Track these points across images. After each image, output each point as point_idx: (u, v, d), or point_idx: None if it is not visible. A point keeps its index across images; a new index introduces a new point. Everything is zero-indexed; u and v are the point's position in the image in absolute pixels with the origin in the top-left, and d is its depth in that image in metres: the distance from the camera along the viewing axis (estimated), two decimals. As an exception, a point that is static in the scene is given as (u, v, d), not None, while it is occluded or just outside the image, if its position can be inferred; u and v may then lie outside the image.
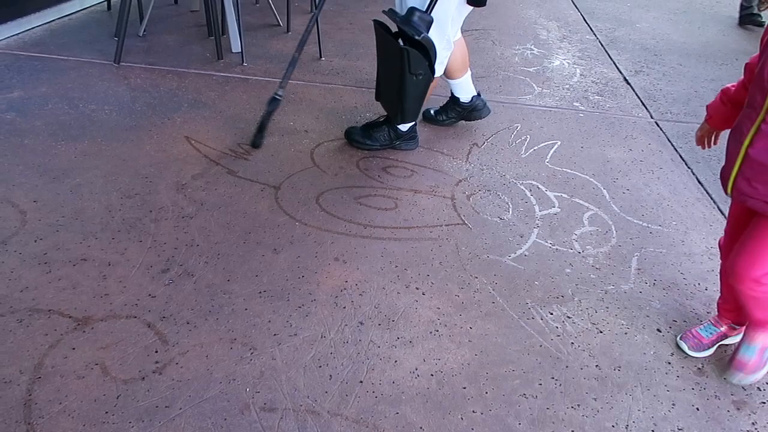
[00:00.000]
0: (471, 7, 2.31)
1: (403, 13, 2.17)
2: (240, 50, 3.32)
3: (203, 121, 2.66)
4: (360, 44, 3.70)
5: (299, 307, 1.73)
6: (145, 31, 3.55)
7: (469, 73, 2.66)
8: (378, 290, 1.82)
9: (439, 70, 2.33)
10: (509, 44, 3.86)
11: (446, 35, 2.29)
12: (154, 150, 2.41)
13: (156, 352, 1.54)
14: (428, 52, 2.10)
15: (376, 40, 2.31)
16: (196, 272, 1.82)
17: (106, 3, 3.92)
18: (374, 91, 2.48)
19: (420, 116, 2.56)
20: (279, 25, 3.89)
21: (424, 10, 2.13)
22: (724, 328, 1.71)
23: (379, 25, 2.26)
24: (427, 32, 2.11)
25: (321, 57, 3.45)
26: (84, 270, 1.78)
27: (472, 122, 2.82)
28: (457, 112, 2.76)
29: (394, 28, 2.25)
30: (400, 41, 2.20)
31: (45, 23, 3.57)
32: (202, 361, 1.53)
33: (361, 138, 2.56)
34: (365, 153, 2.54)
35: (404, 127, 2.54)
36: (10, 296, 1.66)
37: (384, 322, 1.71)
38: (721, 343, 1.71)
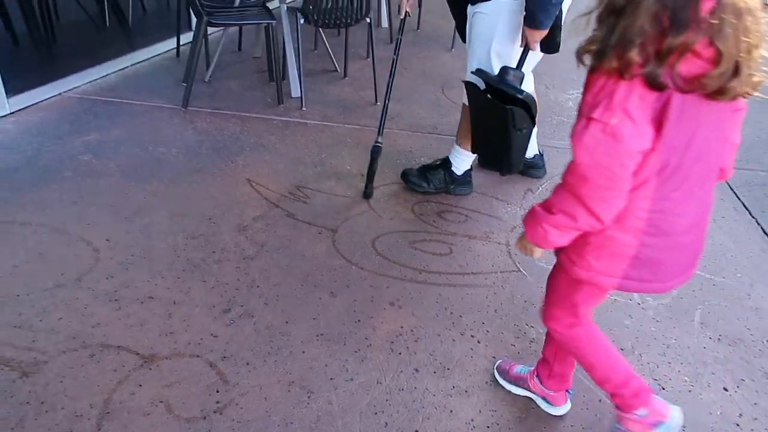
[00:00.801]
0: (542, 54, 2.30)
1: (494, 72, 2.19)
2: (299, 95, 3.45)
3: (264, 165, 2.77)
4: (415, 89, 3.79)
5: (355, 352, 1.75)
6: (210, 76, 3.75)
7: (535, 130, 2.54)
8: (433, 337, 1.83)
9: None
10: (563, 89, 3.87)
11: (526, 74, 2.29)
12: (217, 192, 2.52)
13: (217, 391, 1.59)
14: (529, 107, 2.10)
15: (470, 103, 2.30)
16: (256, 313, 1.87)
17: (175, 50, 4.16)
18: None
19: (474, 161, 2.59)
20: (336, 70, 4.03)
21: (515, 67, 2.16)
22: None
23: (470, 86, 2.25)
24: (521, 86, 2.13)
25: (377, 101, 3.54)
26: (151, 308, 1.86)
27: (527, 168, 2.82)
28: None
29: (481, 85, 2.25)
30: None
31: (119, 70, 3.82)
32: (261, 402, 1.57)
33: (417, 180, 2.61)
34: (420, 198, 2.58)
35: (459, 171, 2.57)
36: (83, 331, 1.75)
37: (439, 370, 1.71)
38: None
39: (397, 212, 2.47)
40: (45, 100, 3.27)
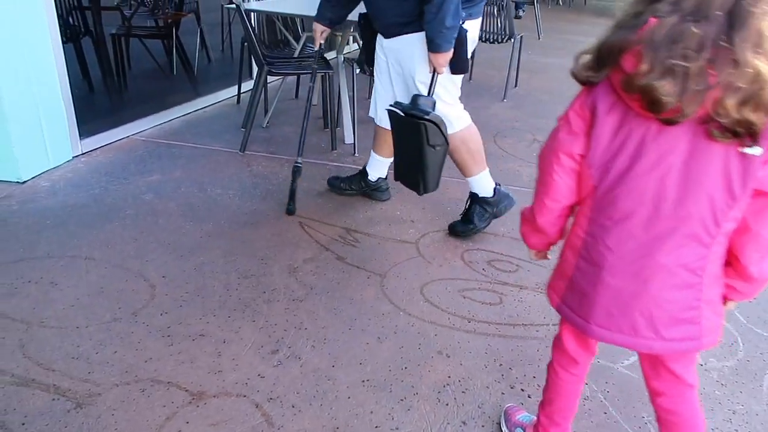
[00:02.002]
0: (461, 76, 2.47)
1: (407, 101, 2.38)
2: (352, 141, 3.53)
3: (316, 208, 2.82)
4: (465, 138, 3.81)
5: (401, 400, 1.72)
6: (268, 122, 3.89)
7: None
8: (482, 389, 1.78)
9: (457, 124, 2.47)
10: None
11: (449, 95, 2.47)
12: (270, 233, 2.57)
13: (262, 433, 1.58)
14: (439, 127, 2.24)
15: (391, 126, 2.44)
16: (303, 355, 1.87)
17: (236, 97, 4.36)
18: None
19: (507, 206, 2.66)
20: (389, 118, 4.11)
21: (426, 94, 2.34)
22: None
23: (391, 113, 2.39)
24: (433, 110, 2.29)
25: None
26: (202, 345, 1.89)
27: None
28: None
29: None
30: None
31: (183, 115, 4.01)
32: (305, 447, 1.55)
33: (461, 226, 2.65)
34: (469, 245, 2.56)
35: (489, 193, 2.64)
36: (136, 365, 1.79)
37: (487, 424, 1.65)
38: None
39: (446, 259, 2.46)
40: (114, 142, 3.46)
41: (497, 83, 5.02)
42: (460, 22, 2.26)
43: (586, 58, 1.08)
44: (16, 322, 1.94)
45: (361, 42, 2.80)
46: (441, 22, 2.16)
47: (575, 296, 1.21)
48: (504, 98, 4.72)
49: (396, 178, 2.53)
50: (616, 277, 1.13)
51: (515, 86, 5.02)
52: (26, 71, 2.83)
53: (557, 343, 1.41)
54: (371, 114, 2.75)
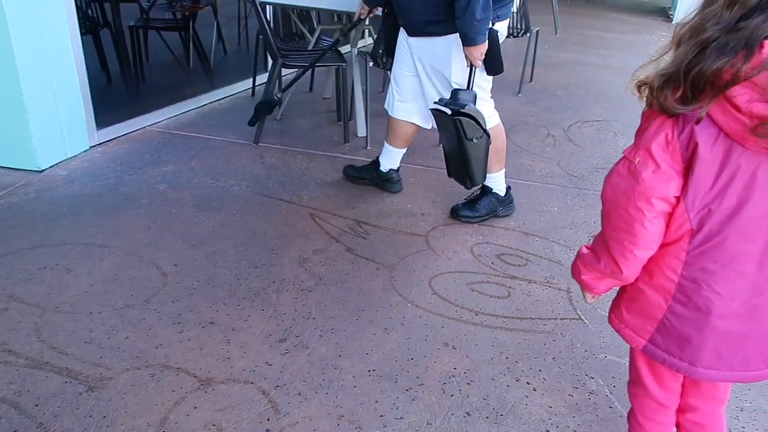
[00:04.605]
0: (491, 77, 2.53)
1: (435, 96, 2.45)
2: (365, 134, 3.54)
3: (327, 200, 2.84)
4: (479, 132, 3.80)
5: (406, 390, 1.73)
6: (281, 115, 3.91)
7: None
8: (487, 381, 1.78)
9: (489, 122, 2.46)
10: (632, 135, 3.77)
11: (485, 93, 2.54)
12: (281, 224, 2.60)
13: (268, 420, 1.60)
14: (477, 119, 2.28)
15: (437, 124, 2.49)
16: (310, 344, 1.89)
17: (250, 90, 4.38)
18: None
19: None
20: (402, 112, 4.11)
21: (465, 87, 2.38)
22: None
23: (436, 111, 2.42)
24: (474, 104, 2.32)
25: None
26: (211, 333, 1.92)
27: (593, 214, 2.76)
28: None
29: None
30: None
31: (198, 107, 4.05)
32: (309, 434, 1.57)
33: (467, 211, 2.69)
34: (479, 239, 2.56)
35: (502, 192, 2.69)
36: (147, 351, 1.82)
37: (492, 416, 1.66)
38: None
39: (455, 252, 2.46)
40: (130, 132, 3.50)
41: (512, 77, 4.98)
42: (491, 24, 2.29)
43: (661, 81, 0.95)
44: (32, 306, 1.99)
45: (376, 35, 2.87)
46: (472, 15, 2.19)
47: (672, 340, 1.10)
48: (519, 93, 4.70)
49: (449, 175, 2.60)
50: (727, 320, 1.05)
51: (530, 81, 4.99)
52: (46, 62, 2.87)
53: (637, 390, 1.28)
54: (386, 106, 2.77)
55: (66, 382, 1.68)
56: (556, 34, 7.28)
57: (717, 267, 1.02)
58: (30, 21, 2.76)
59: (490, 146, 2.46)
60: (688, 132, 0.96)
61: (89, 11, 4.31)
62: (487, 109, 2.51)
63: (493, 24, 2.32)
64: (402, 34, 2.57)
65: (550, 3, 7.44)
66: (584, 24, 8.23)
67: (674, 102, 0.94)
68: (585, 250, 1.20)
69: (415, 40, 2.49)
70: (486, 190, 2.71)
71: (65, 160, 3.08)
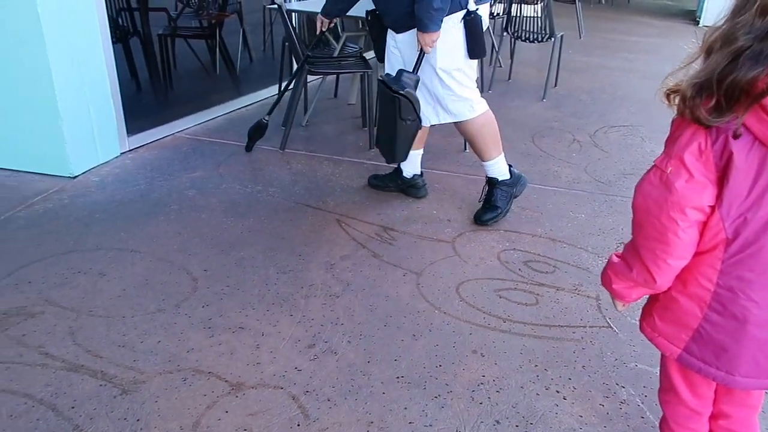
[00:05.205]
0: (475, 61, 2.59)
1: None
2: (390, 141, 3.55)
3: (353, 206, 2.85)
4: (505, 139, 3.76)
5: (435, 397, 1.73)
6: (307, 121, 3.94)
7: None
8: (516, 389, 1.77)
9: (478, 108, 2.60)
10: (660, 140, 3.71)
11: (469, 80, 2.58)
12: (308, 230, 2.62)
13: (298, 425, 1.62)
14: (413, 103, 2.42)
15: (378, 95, 2.59)
16: (339, 350, 1.90)
17: (276, 96, 4.42)
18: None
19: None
20: (426, 117, 4.12)
21: (411, 71, 2.46)
22: None
23: (381, 83, 2.53)
24: (415, 90, 2.44)
25: (465, 149, 3.58)
26: (241, 338, 1.94)
27: (621, 221, 2.73)
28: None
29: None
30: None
31: (225, 113, 4.10)
32: (339, 440, 1.58)
33: (489, 213, 2.71)
34: (506, 245, 2.55)
35: (506, 175, 2.74)
36: (179, 355, 1.85)
37: (521, 424, 1.65)
38: None
39: (482, 259, 2.45)
40: (159, 139, 3.57)
41: (537, 82, 4.97)
42: (475, 8, 2.39)
43: (694, 90, 0.94)
44: (67, 310, 2.03)
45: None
46: (429, 3, 2.29)
47: (708, 348, 1.10)
48: (543, 98, 4.67)
49: (375, 144, 2.72)
50: (764, 329, 1.05)
51: (555, 86, 4.96)
52: (78, 71, 2.94)
53: (669, 397, 1.27)
54: None
55: (101, 385, 1.72)
56: (580, 38, 7.23)
57: (754, 276, 1.01)
58: (64, 30, 2.83)
59: (485, 132, 2.62)
60: (722, 141, 0.96)
61: (119, 20, 4.40)
62: (475, 94, 2.60)
63: (476, 8, 2.41)
64: (390, 37, 2.62)
65: (574, 7, 7.38)
66: (608, 28, 8.15)
67: (707, 113, 0.93)
68: (616, 259, 1.19)
69: (403, 36, 2.53)
70: (493, 183, 2.74)
71: (97, 166, 3.14)
